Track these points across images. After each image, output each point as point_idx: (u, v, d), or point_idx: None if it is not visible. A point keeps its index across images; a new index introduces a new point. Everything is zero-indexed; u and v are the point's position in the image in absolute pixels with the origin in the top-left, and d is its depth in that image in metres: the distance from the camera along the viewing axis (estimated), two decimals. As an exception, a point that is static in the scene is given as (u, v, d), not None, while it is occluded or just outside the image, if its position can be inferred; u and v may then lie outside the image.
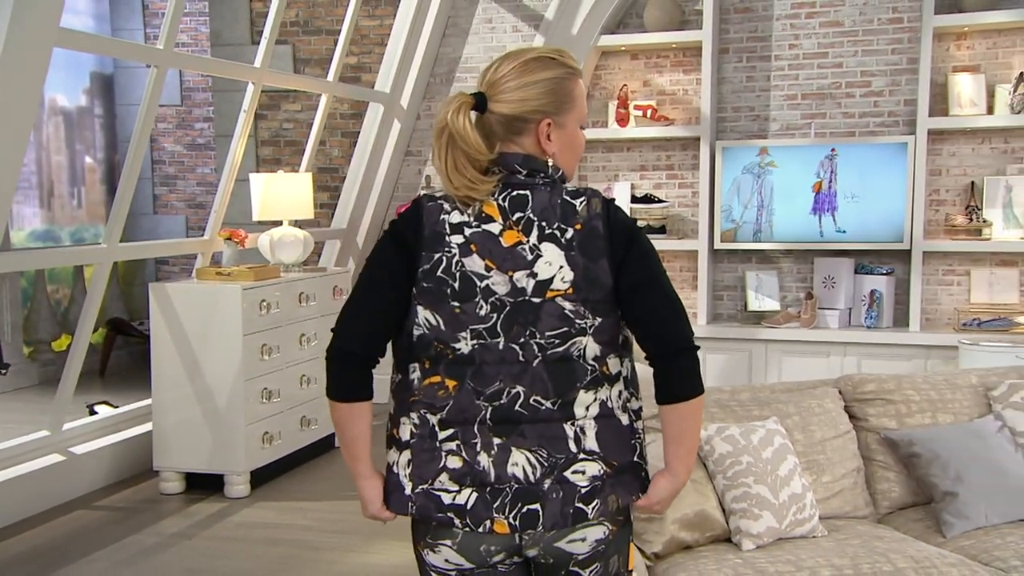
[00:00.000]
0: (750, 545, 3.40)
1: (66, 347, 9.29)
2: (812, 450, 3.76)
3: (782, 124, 7.68)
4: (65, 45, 5.33)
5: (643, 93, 7.97)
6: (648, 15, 7.66)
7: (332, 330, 2.31)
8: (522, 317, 2.23)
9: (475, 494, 2.24)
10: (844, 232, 7.33)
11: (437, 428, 2.26)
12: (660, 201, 7.79)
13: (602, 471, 2.26)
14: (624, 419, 2.31)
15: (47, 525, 5.54)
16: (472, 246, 2.23)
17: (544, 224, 2.24)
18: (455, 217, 2.25)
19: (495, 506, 2.24)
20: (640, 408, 2.37)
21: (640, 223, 2.90)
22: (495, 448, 2.24)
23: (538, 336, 2.23)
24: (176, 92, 11.46)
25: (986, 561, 3.40)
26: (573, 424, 2.26)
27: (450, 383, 2.25)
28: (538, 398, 2.24)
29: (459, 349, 2.23)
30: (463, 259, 2.23)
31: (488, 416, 2.24)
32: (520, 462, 2.24)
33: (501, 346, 2.23)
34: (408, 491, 2.28)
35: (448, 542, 2.28)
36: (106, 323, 9.77)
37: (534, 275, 2.23)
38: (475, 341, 2.23)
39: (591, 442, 2.26)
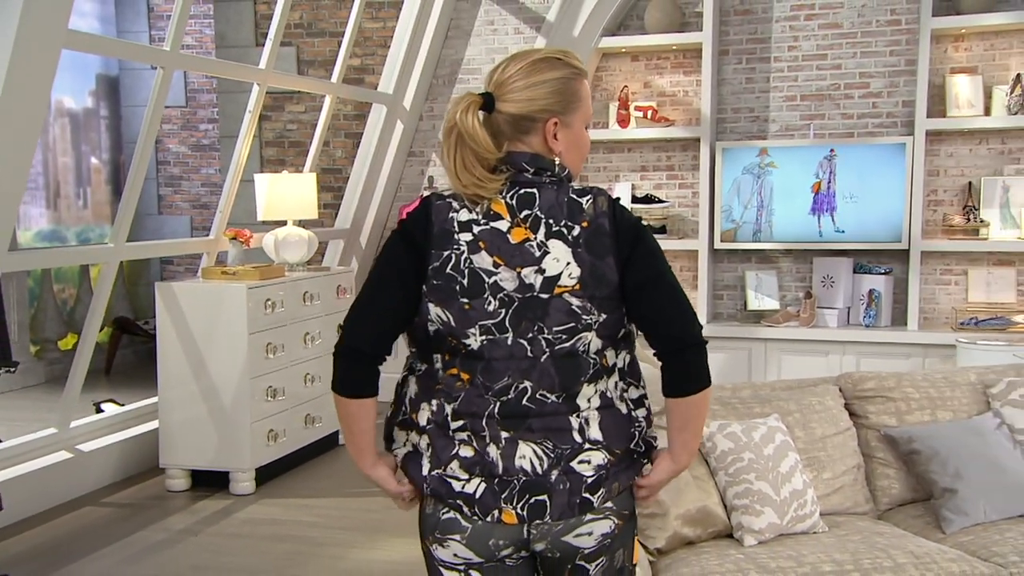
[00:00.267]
0: (752, 541, 3.42)
1: (72, 346, 9.34)
2: (813, 447, 3.78)
3: (781, 125, 7.73)
4: (73, 47, 5.36)
5: (644, 94, 8.01)
6: (649, 17, 7.70)
7: (340, 327, 2.34)
8: (530, 313, 2.24)
9: (484, 484, 2.26)
10: (843, 232, 7.37)
11: (450, 418, 2.28)
12: (661, 201, 7.82)
13: (606, 460, 2.28)
14: (623, 408, 2.33)
15: (55, 521, 5.56)
16: (480, 243, 2.25)
17: (551, 221, 2.26)
18: (463, 215, 2.26)
19: (503, 496, 2.26)
20: (640, 397, 2.38)
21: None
22: (503, 441, 2.26)
23: (546, 332, 2.24)
24: (181, 94, 11.48)
25: (985, 557, 3.41)
26: (578, 416, 2.28)
27: (465, 376, 2.27)
28: (545, 392, 2.26)
29: (469, 344, 2.25)
30: (472, 256, 2.24)
31: (496, 411, 2.26)
32: (528, 455, 2.26)
33: (509, 341, 2.25)
34: (425, 471, 2.30)
35: (457, 536, 2.30)
36: (112, 322, 9.79)
37: (542, 271, 2.24)
38: (484, 337, 2.25)
39: (595, 432, 2.29)
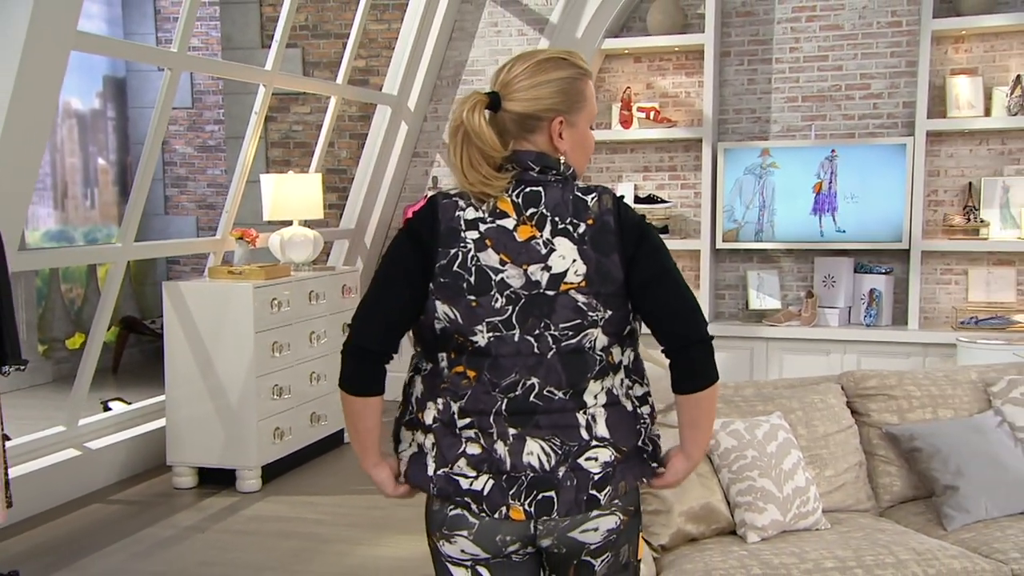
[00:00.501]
0: (755, 538, 3.43)
1: (79, 345, 9.39)
2: (815, 445, 3.79)
3: (783, 126, 7.76)
4: (82, 48, 5.39)
5: (646, 95, 8.04)
6: (651, 19, 7.73)
7: (348, 325, 2.35)
8: (537, 310, 2.25)
9: (492, 481, 2.27)
10: (844, 232, 7.40)
11: (457, 416, 2.28)
12: (663, 201, 7.85)
13: (613, 457, 2.29)
14: (628, 405, 2.34)
15: (63, 518, 5.58)
16: (487, 241, 2.25)
17: (557, 219, 2.26)
18: (470, 213, 2.27)
19: (511, 493, 2.26)
20: (645, 394, 2.39)
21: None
22: (511, 438, 2.27)
23: (552, 328, 2.25)
24: (187, 95, 11.51)
25: (986, 553, 3.42)
26: (585, 412, 2.29)
27: (471, 373, 2.28)
28: (552, 389, 2.27)
29: (476, 342, 2.26)
30: (478, 254, 2.25)
31: (504, 407, 2.27)
32: (535, 451, 2.27)
33: (516, 338, 2.25)
34: (430, 471, 2.31)
35: (464, 532, 2.30)
36: (119, 322, 9.84)
37: (548, 268, 2.25)
38: (491, 334, 2.25)
39: (602, 429, 2.29)
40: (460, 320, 2.25)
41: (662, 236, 7.67)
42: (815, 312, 7.46)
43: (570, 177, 2.33)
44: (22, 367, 4.71)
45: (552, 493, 2.26)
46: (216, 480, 6.13)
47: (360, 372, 2.34)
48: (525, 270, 2.25)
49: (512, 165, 2.28)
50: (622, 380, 2.34)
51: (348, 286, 7.06)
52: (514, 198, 2.28)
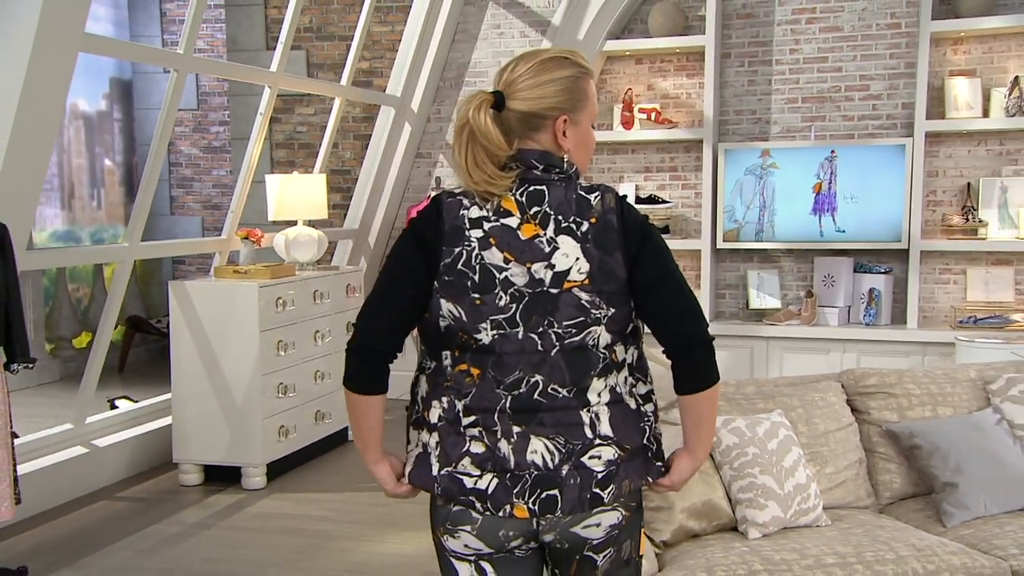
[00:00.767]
0: (756, 534, 3.45)
1: (86, 344, 9.42)
2: (816, 442, 3.81)
3: (783, 127, 7.79)
4: (90, 50, 5.43)
5: (647, 96, 8.08)
6: (652, 21, 7.77)
7: (353, 325, 2.38)
8: (540, 307, 2.25)
9: (496, 479, 2.27)
10: (843, 232, 7.44)
11: (461, 414, 2.29)
12: (664, 202, 7.87)
13: (616, 455, 2.29)
14: (632, 404, 2.34)
15: (71, 515, 5.61)
16: (491, 239, 2.26)
17: (560, 218, 2.27)
18: (474, 212, 2.27)
19: (515, 491, 2.26)
20: (648, 392, 2.39)
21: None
22: (515, 436, 2.27)
23: (556, 326, 2.26)
24: (193, 96, 11.54)
25: (986, 550, 3.44)
26: (588, 410, 2.29)
27: (475, 371, 2.29)
28: (555, 386, 2.27)
29: (481, 339, 2.26)
30: (482, 252, 2.25)
31: (508, 405, 2.27)
32: (539, 449, 2.27)
33: (520, 336, 2.26)
34: (434, 471, 2.31)
35: (468, 527, 2.31)
36: (125, 321, 9.86)
37: (551, 266, 2.25)
38: (495, 331, 2.26)
39: (605, 427, 2.30)
40: (464, 318, 2.27)
41: (663, 236, 7.68)
42: (815, 311, 7.48)
43: (573, 175, 2.34)
44: (30, 365, 4.76)
45: (556, 491, 2.27)
46: (222, 477, 6.15)
47: (364, 371, 2.36)
48: (529, 268, 2.26)
49: (516, 164, 2.29)
50: (626, 378, 2.35)
51: (352, 285, 7.08)
52: (518, 197, 2.29)
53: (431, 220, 2.30)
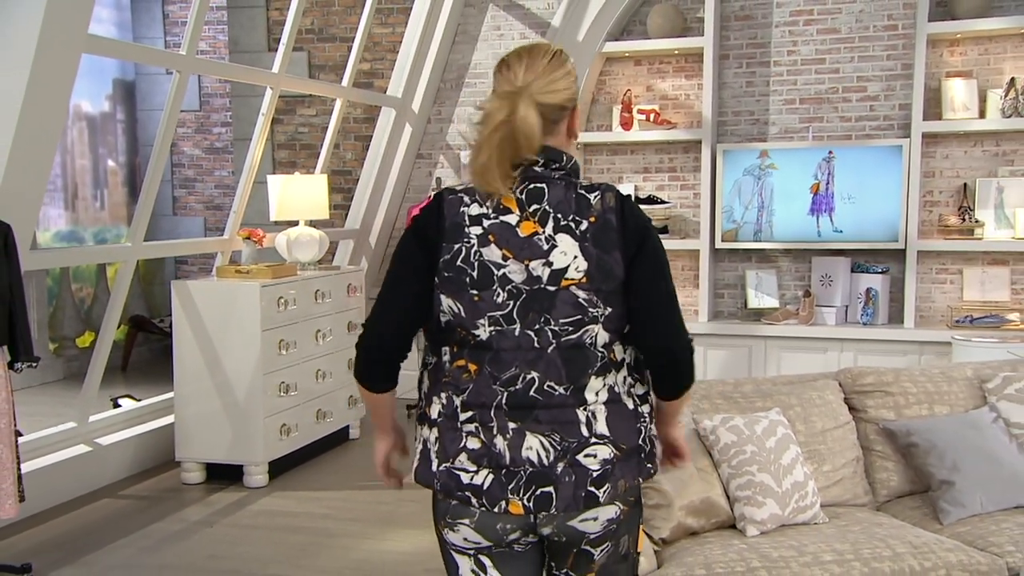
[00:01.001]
0: (754, 531, 3.47)
1: (89, 343, 9.46)
2: (813, 440, 3.82)
3: (781, 128, 7.82)
4: (93, 51, 5.46)
5: (646, 97, 8.10)
6: (651, 22, 7.79)
7: (362, 325, 2.42)
8: (537, 304, 2.27)
9: (491, 475, 2.29)
10: (841, 232, 7.46)
11: (459, 410, 2.31)
12: (663, 202, 7.89)
13: (612, 455, 2.30)
14: (629, 404, 2.36)
15: (74, 513, 5.64)
16: (490, 236, 2.27)
17: (559, 216, 2.28)
18: (474, 209, 2.29)
19: (510, 487, 2.28)
20: (645, 393, 2.41)
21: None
22: (510, 432, 2.29)
23: (552, 323, 2.27)
24: (195, 98, 11.57)
25: (982, 547, 3.46)
26: (585, 409, 2.30)
27: (472, 367, 2.30)
28: (552, 384, 2.29)
29: (478, 335, 2.28)
30: (481, 249, 2.27)
31: (504, 401, 2.29)
32: (534, 446, 2.28)
33: (517, 332, 2.28)
34: (434, 467, 2.34)
35: (466, 521, 2.33)
36: (128, 320, 9.90)
37: (549, 264, 2.27)
38: (492, 328, 2.28)
39: (601, 426, 2.31)
40: (463, 314, 2.29)
41: (663, 236, 7.52)
42: (812, 311, 7.50)
43: (572, 171, 2.35)
44: (34, 364, 4.79)
45: (551, 489, 2.28)
46: (224, 476, 6.17)
47: (373, 370, 2.41)
48: (527, 265, 2.27)
49: (522, 162, 2.30)
50: (624, 377, 2.37)
51: (353, 285, 7.10)
52: (518, 194, 2.30)
53: (432, 216, 2.32)
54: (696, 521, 3.50)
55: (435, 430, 2.36)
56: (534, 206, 2.29)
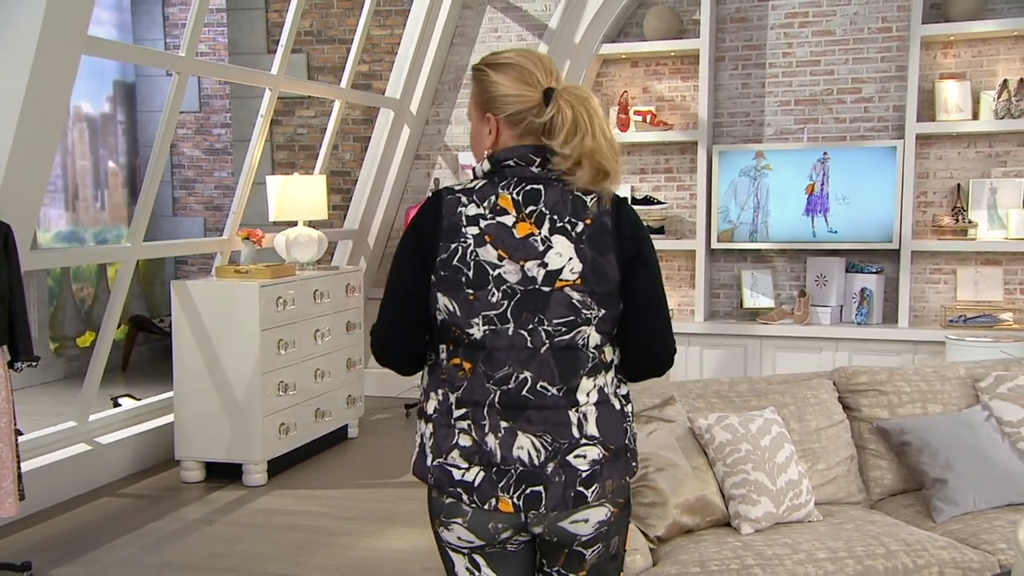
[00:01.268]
0: (749, 529, 3.47)
1: (90, 343, 9.48)
2: (808, 439, 3.83)
3: (776, 129, 7.85)
4: (93, 53, 5.48)
5: (643, 99, 8.13)
6: (648, 24, 7.83)
7: (370, 332, 2.42)
8: (531, 305, 2.28)
9: (482, 473, 2.30)
10: (836, 232, 7.49)
11: (453, 407, 2.33)
12: (659, 203, 7.94)
13: (601, 455, 2.32)
14: (616, 404, 2.38)
15: (74, 511, 5.66)
16: (486, 236, 2.28)
17: (555, 217, 2.29)
18: (471, 209, 2.30)
19: (500, 485, 2.30)
20: (628, 393, 2.43)
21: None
22: (502, 431, 2.30)
23: (546, 324, 2.28)
24: (195, 99, 11.59)
25: (975, 544, 3.46)
26: (577, 410, 2.32)
27: (467, 365, 2.32)
28: (545, 384, 2.30)
29: (472, 334, 2.29)
30: (477, 249, 2.28)
31: (496, 400, 2.30)
32: (525, 446, 2.29)
33: (510, 332, 2.28)
34: (428, 462, 2.36)
35: (459, 520, 2.34)
36: (128, 320, 9.92)
37: (544, 265, 2.27)
38: (486, 327, 2.28)
39: (592, 427, 2.32)
40: (458, 313, 2.30)
41: (659, 236, 7.52)
42: (807, 311, 7.52)
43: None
44: (34, 364, 4.81)
45: (540, 488, 2.30)
46: (223, 474, 6.19)
47: (394, 368, 2.46)
48: (522, 266, 2.28)
49: (515, 161, 2.34)
50: (612, 379, 2.39)
51: (352, 285, 7.12)
52: (514, 195, 2.31)
53: (431, 215, 2.34)
54: (691, 519, 3.51)
55: (431, 425, 2.38)
56: (530, 207, 2.31)
